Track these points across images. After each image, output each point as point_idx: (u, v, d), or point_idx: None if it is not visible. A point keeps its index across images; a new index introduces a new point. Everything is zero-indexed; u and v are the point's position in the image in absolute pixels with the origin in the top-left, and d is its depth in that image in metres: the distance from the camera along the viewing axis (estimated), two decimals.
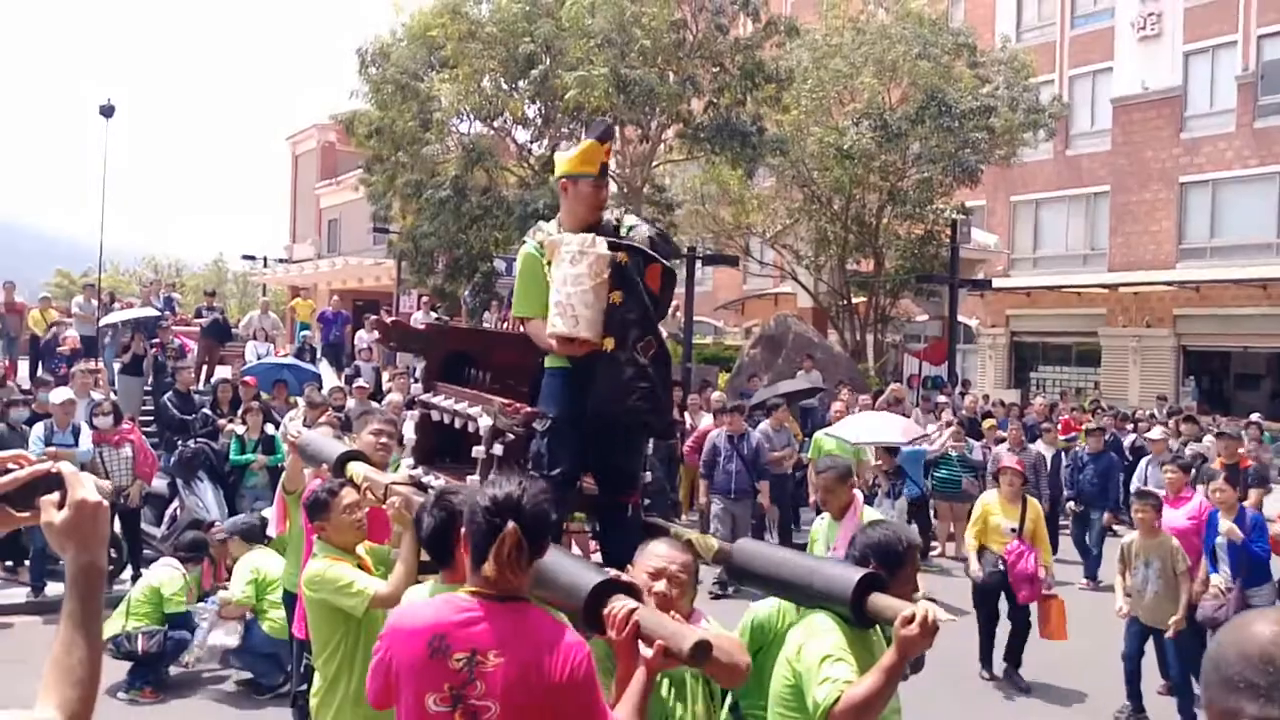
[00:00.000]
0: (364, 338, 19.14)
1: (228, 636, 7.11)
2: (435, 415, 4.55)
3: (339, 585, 4.08)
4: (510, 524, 2.46)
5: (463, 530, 2.60)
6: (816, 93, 20.33)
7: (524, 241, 4.16)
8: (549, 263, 3.85)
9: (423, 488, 4.20)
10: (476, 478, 4.02)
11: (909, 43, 20.06)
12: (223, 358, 18.46)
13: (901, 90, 20.89)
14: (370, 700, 2.61)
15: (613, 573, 2.66)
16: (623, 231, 4.04)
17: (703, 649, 2.34)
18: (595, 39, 15.94)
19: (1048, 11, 28.88)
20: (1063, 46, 28.32)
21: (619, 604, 2.45)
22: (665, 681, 2.76)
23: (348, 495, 4.36)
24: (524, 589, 2.57)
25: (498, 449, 4.01)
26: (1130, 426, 16.37)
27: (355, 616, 4.10)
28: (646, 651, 2.40)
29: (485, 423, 4.04)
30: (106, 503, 1.61)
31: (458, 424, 4.35)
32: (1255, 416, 18.01)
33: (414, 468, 4.59)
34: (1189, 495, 7.88)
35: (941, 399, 17.81)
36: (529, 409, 4.01)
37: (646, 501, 4.47)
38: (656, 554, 2.89)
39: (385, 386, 14.91)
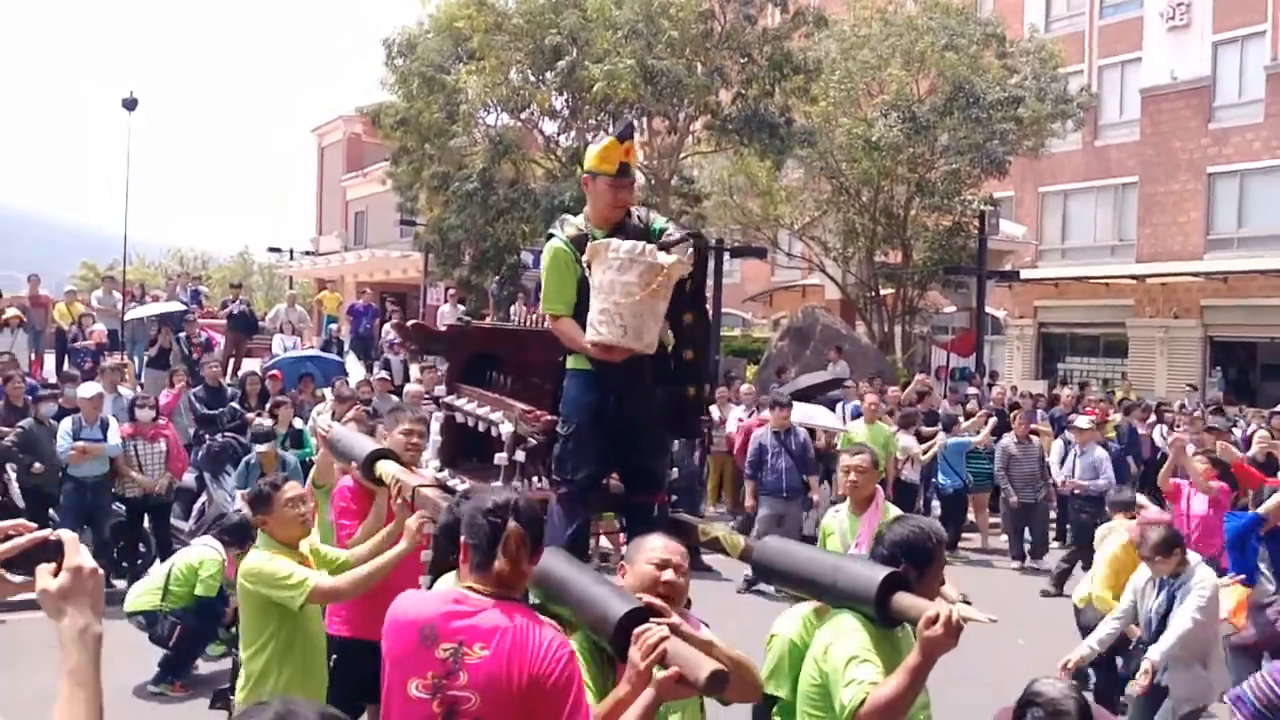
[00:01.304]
0: (390, 330, 19.25)
1: None
2: (459, 417, 4.59)
3: (277, 578, 4.05)
4: (512, 523, 2.60)
5: (462, 538, 2.69)
6: (845, 84, 20.23)
7: (549, 234, 4.09)
8: (589, 264, 3.78)
9: (449, 490, 4.22)
10: (499, 484, 4.06)
11: (937, 33, 19.92)
12: (250, 350, 18.57)
13: (930, 81, 20.76)
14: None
15: (645, 599, 2.66)
16: (654, 231, 3.98)
17: (718, 679, 2.34)
18: (622, 30, 15.93)
19: (1077, 1, 28.57)
20: (1091, 36, 28.01)
21: (654, 632, 2.45)
22: None
23: (291, 489, 4.31)
24: (522, 588, 2.70)
25: (520, 455, 4.06)
26: (1154, 419, 16.18)
27: (290, 613, 4.07)
28: (660, 673, 2.40)
29: (506, 429, 4.06)
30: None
31: (481, 427, 4.38)
32: None
33: (440, 470, 4.64)
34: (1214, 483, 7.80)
35: (971, 390, 17.75)
36: (549, 416, 4.00)
37: (673, 498, 4.49)
38: (656, 546, 2.90)
39: (414, 379, 14.98)
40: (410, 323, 4.96)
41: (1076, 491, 10.90)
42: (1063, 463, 11.33)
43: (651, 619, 2.53)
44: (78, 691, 1.52)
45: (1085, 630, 6.06)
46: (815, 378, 14.13)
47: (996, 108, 19.76)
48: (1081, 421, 11.67)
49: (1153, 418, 16.20)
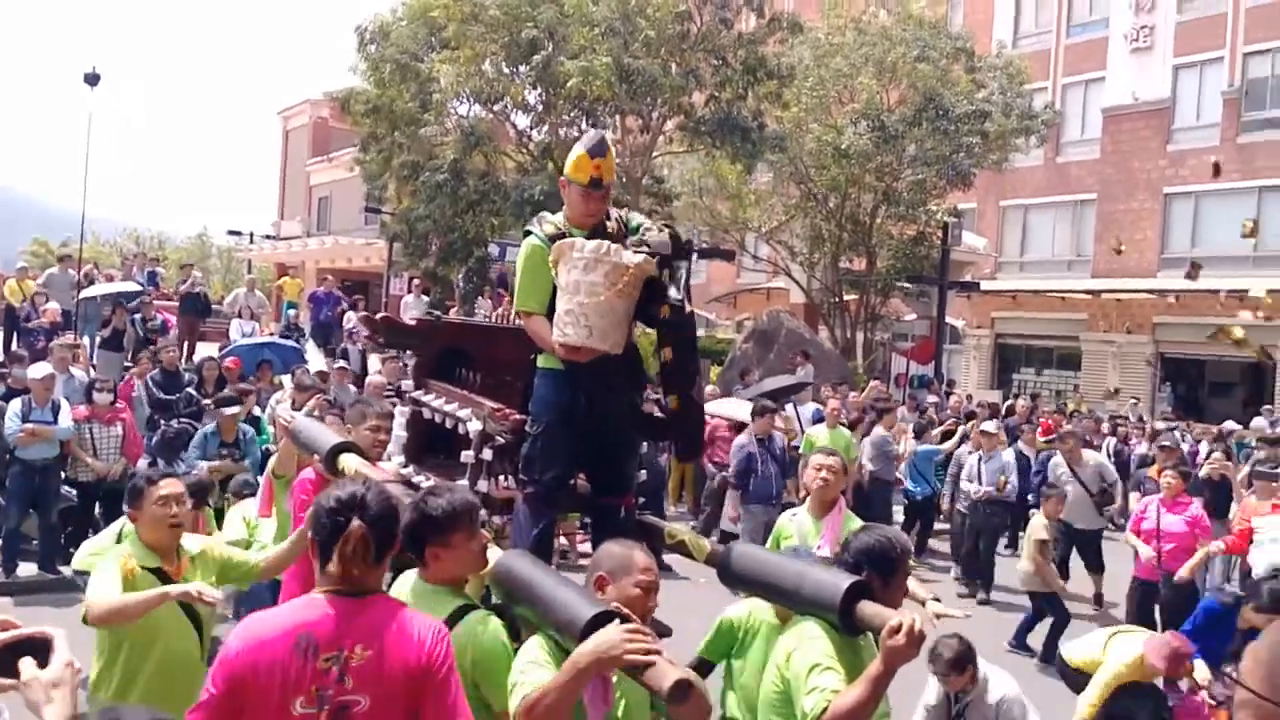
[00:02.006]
0: (353, 318, 19.08)
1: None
2: (426, 413, 4.56)
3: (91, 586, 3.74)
4: (355, 522, 2.54)
5: (309, 534, 2.66)
6: (817, 91, 20.38)
7: (526, 231, 4.12)
8: (555, 263, 3.78)
9: (413, 487, 4.18)
10: (466, 481, 4.05)
11: (909, 45, 20.12)
12: (204, 333, 18.31)
13: (900, 92, 20.95)
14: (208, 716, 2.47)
15: (609, 605, 2.65)
16: (631, 228, 4.01)
17: (682, 689, 2.34)
18: (599, 27, 15.91)
19: (1044, 19, 28.98)
20: (1057, 54, 28.44)
21: (630, 644, 2.44)
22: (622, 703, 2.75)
23: (167, 486, 3.97)
24: (376, 584, 2.65)
25: (487, 454, 4.03)
26: (1108, 433, 16.42)
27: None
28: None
29: (475, 427, 4.02)
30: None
31: (448, 424, 4.37)
32: (1229, 424, 18.15)
33: (404, 465, 4.61)
34: (1187, 501, 8.00)
35: (930, 398, 17.95)
36: (518, 416, 3.98)
37: (640, 500, 4.48)
38: (645, 566, 2.86)
39: (375, 370, 14.86)
40: (379, 315, 4.90)
41: (981, 497, 10.59)
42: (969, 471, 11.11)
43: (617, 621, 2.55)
44: None
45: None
46: (781, 380, 14.20)
47: (964, 121, 19.99)
48: (988, 426, 11.35)
49: (1105, 428, 16.48)
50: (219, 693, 2.43)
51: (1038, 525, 8.48)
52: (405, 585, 3.10)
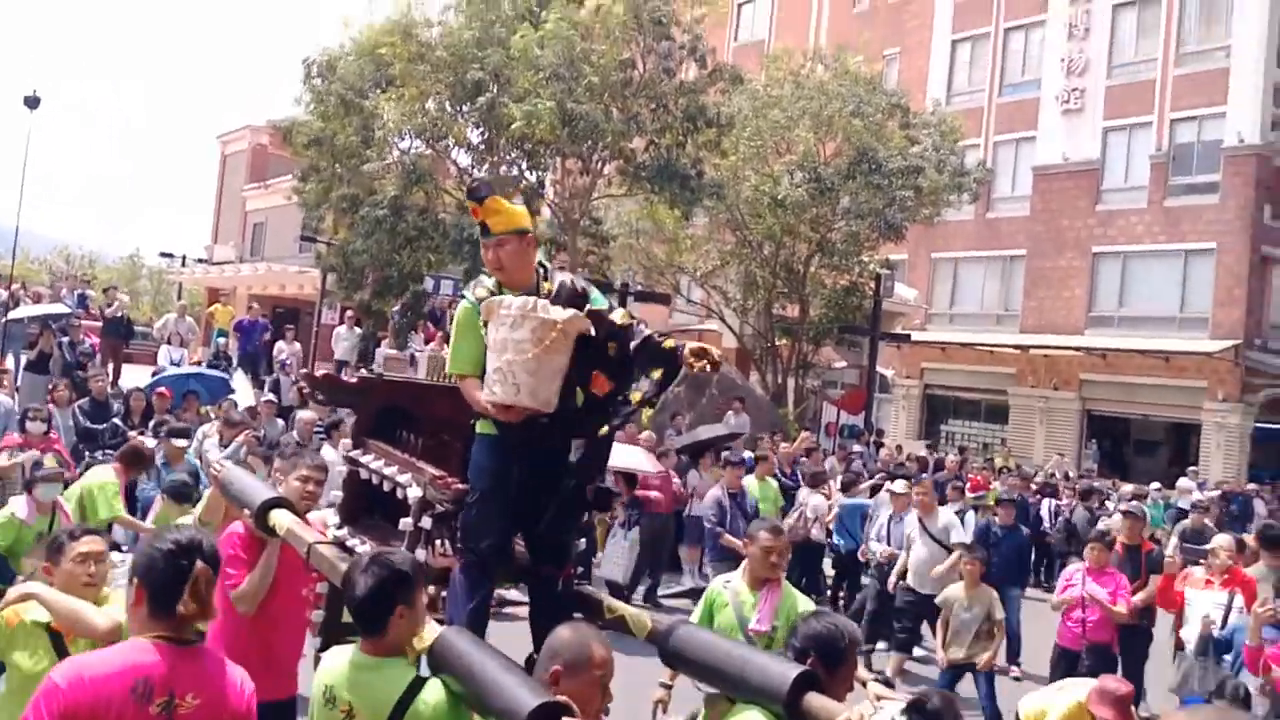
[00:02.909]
0: (283, 348, 18.80)
1: None
2: (364, 473, 4.50)
3: None
4: (200, 564, 2.60)
5: (135, 581, 2.65)
6: (754, 141, 20.68)
7: (462, 295, 4.08)
8: (485, 322, 3.73)
9: (348, 550, 4.10)
10: (404, 548, 3.98)
11: (845, 100, 20.53)
12: (131, 356, 17.95)
13: (835, 145, 21.34)
14: None
15: (555, 697, 2.63)
16: (592, 301, 3.91)
17: None
18: (544, 72, 16.02)
19: (978, 78, 29.79)
20: (989, 113, 29.21)
21: None
22: None
23: (87, 544, 3.91)
24: (203, 633, 2.81)
25: (426, 522, 3.95)
26: (1035, 489, 16.72)
27: None
28: None
29: (415, 494, 3.95)
30: None
31: (386, 486, 4.30)
32: (1154, 486, 18.49)
33: (340, 526, 4.53)
34: (1112, 572, 7.94)
35: (857, 449, 18.18)
36: (460, 485, 3.90)
37: (579, 570, 4.46)
38: (600, 659, 2.80)
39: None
40: (320, 373, 4.87)
41: (885, 557, 9.98)
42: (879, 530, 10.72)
43: (563, 718, 2.53)
44: None
45: None
46: (714, 429, 14.28)
47: (897, 175, 20.41)
48: (897, 485, 10.47)
49: (1034, 486, 16.74)
50: None
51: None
52: (341, 660, 3.04)
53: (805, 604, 4.93)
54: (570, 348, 3.69)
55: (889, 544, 10.09)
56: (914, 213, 21.67)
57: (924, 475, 15.93)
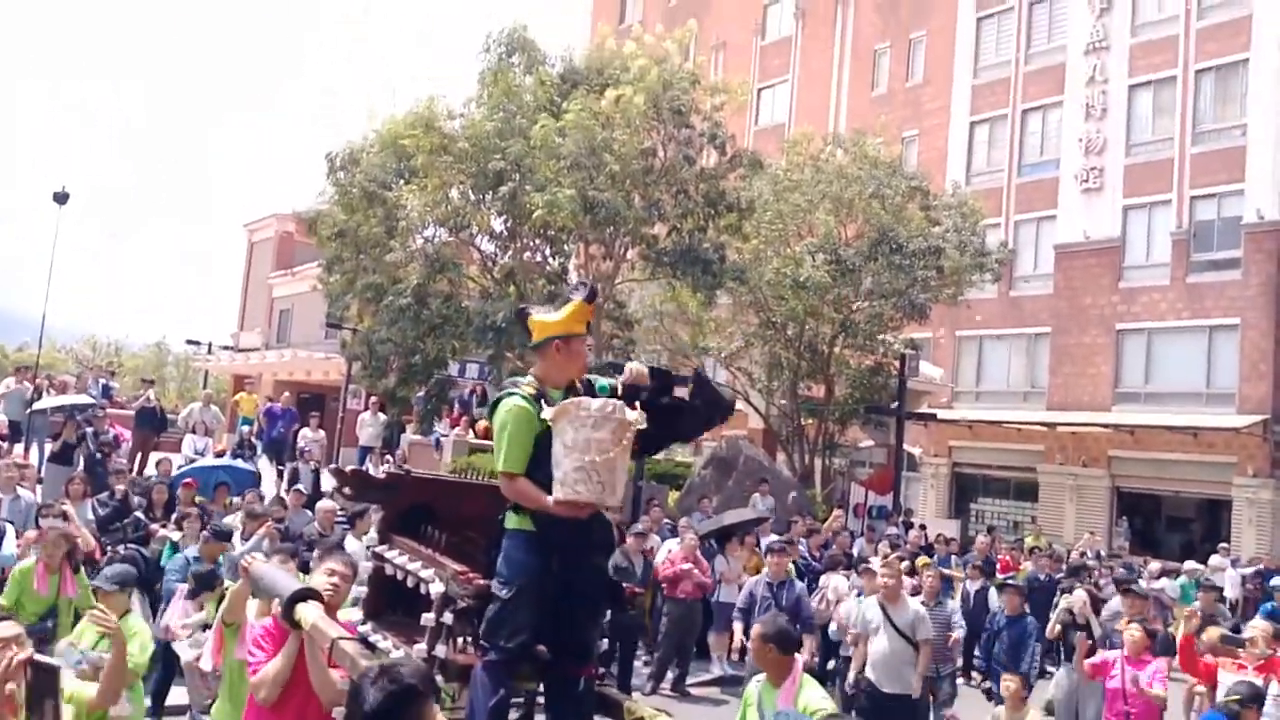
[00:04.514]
0: (307, 436, 18.89)
1: None
2: (388, 569, 4.50)
3: None
4: None
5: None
6: (775, 224, 20.87)
7: (502, 395, 4.11)
8: (553, 421, 3.79)
9: (370, 647, 4.12)
10: (424, 645, 3.96)
11: (864, 183, 20.74)
12: (157, 444, 18.06)
13: (856, 227, 21.51)
14: None
15: None
16: (601, 389, 4.08)
17: None
18: (565, 161, 16.24)
19: (996, 159, 30.06)
20: (1009, 193, 29.40)
21: None
22: None
23: (5, 629, 3.64)
24: None
25: (448, 617, 3.98)
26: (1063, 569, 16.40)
27: None
28: None
29: (437, 589, 3.99)
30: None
31: (410, 583, 4.30)
32: (1189, 564, 18.19)
33: (363, 622, 4.52)
34: (1148, 659, 7.70)
35: (890, 530, 17.97)
36: (482, 581, 3.93)
37: (601, 671, 4.41)
38: None
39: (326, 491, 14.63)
40: (349, 469, 4.88)
41: (851, 642, 9.28)
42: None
43: None
44: None
45: None
46: (741, 514, 14.14)
47: (919, 256, 20.49)
48: (874, 563, 10.10)
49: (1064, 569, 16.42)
50: None
51: None
52: None
53: (820, 700, 4.88)
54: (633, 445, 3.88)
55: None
56: (937, 292, 21.72)
57: (953, 557, 15.83)
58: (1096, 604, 13.88)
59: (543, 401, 3.93)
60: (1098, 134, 27.53)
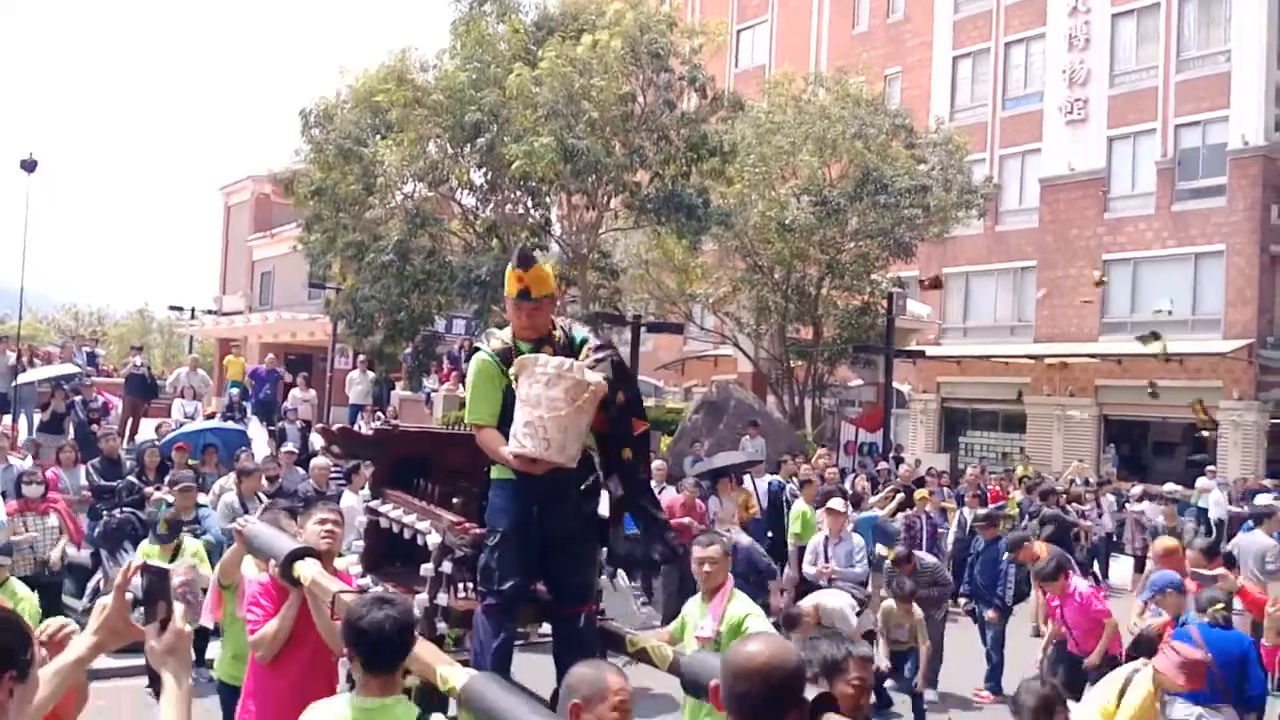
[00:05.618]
0: (296, 396, 18.84)
1: None
2: (384, 522, 4.52)
3: None
4: None
5: None
6: (759, 167, 20.69)
7: (475, 347, 4.24)
8: (515, 376, 3.89)
9: None
10: (425, 595, 4.00)
11: (847, 123, 20.56)
12: (147, 410, 18.03)
13: (840, 167, 21.36)
14: None
15: None
16: (576, 341, 4.16)
17: None
18: (542, 110, 16.03)
19: (980, 94, 29.89)
20: (994, 127, 29.29)
21: None
22: None
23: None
24: None
25: (446, 566, 4.06)
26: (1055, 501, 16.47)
27: None
28: None
29: (434, 540, 4.07)
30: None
31: (407, 534, 4.33)
32: (1170, 486, 18.67)
33: (362, 575, 4.55)
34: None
35: (882, 466, 18.09)
36: (478, 530, 4.02)
37: (601, 608, 4.48)
38: (616, 688, 2.81)
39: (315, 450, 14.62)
40: (336, 427, 4.88)
41: (834, 579, 9.29)
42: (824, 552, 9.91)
43: None
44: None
45: None
46: (732, 457, 14.15)
47: (904, 195, 20.38)
48: (835, 504, 10.01)
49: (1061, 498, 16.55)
50: None
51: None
52: (339, 711, 3.07)
53: (745, 608, 4.89)
54: (595, 408, 3.88)
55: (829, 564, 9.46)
56: (923, 230, 21.66)
57: (945, 489, 15.99)
58: (1073, 530, 14.23)
59: (514, 355, 4.01)
60: (1081, 65, 27.35)
